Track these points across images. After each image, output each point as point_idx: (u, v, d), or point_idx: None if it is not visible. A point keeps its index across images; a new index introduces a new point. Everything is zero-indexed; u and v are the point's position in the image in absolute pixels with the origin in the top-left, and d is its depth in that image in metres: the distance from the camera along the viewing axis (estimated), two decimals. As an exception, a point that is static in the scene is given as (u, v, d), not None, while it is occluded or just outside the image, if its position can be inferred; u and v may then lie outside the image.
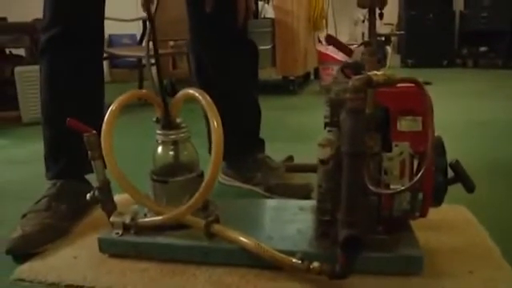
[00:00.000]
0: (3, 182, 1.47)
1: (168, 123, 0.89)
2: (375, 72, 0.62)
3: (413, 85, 0.68)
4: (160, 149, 0.91)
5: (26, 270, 0.82)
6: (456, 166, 0.75)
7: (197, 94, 0.84)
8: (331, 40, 0.87)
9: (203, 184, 0.81)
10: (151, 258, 0.83)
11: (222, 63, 1.20)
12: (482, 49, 4.61)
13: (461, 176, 0.74)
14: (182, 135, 0.90)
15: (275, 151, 1.31)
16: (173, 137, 0.89)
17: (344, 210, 0.65)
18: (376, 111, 0.71)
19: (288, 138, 1.95)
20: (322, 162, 0.73)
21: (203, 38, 1.21)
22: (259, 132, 1.29)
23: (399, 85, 0.69)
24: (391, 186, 0.73)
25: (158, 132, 0.90)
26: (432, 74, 3.98)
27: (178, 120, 0.90)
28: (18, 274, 0.81)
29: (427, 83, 3.44)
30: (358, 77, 0.61)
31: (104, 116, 1.12)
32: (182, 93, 0.88)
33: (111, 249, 0.86)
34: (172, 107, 0.90)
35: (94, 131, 0.87)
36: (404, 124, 0.72)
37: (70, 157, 1.06)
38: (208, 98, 0.83)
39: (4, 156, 1.86)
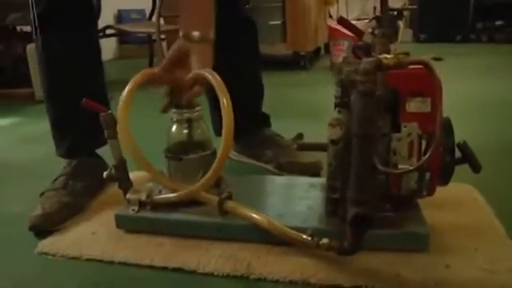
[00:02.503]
0: (18, 160, 1.51)
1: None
2: (385, 55, 0.63)
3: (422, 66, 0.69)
4: (174, 127, 0.93)
5: (48, 244, 0.87)
6: (463, 147, 0.76)
7: (206, 74, 0.84)
8: (343, 22, 0.87)
9: (215, 161, 0.82)
10: (166, 233, 0.86)
11: (221, 40, 1.20)
12: (498, 23, 4.48)
13: (468, 157, 0.75)
14: (196, 114, 0.92)
15: (285, 128, 1.32)
16: (187, 115, 0.91)
17: (353, 188, 0.67)
18: (385, 92, 0.72)
19: (298, 114, 1.96)
20: (333, 142, 0.75)
21: None
22: (262, 107, 1.31)
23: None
24: (399, 166, 0.74)
25: (173, 111, 0.92)
26: (444, 49, 3.91)
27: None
28: (41, 248, 0.86)
29: (439, 59, 3.39)
30: (368, 60, 0.62)
31: (105, 90, 1.13)
32: (192, 74, 0.89)
33: (128, 225, 0.90)
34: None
35: (110, 111, 0.89)
36: (413, 105, 0.73)
37: (76, 132, 1.09)
38: (217, 76, 0.82)
39: (18, 134, 1.89)
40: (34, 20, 1.04)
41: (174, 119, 0.92)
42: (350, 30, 0.86)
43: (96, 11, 1.13)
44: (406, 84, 0.73)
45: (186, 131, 0.93)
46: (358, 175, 0.66)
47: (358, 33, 0.83)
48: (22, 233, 0.92)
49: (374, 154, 0.66)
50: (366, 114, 0.63)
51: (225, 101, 0.80)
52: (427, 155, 0.68)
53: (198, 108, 0.92)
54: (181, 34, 0.85)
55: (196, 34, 0.84)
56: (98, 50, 1.15)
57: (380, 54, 0.68)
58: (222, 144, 0.81)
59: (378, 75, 0.66)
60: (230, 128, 0.80)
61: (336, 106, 0.78)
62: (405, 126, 0.74)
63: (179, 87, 0.89)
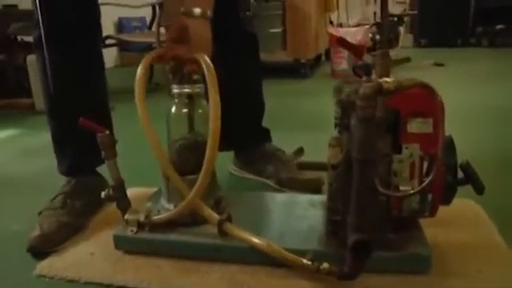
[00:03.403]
0: (18, 173, 1.50)
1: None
2: (386, 79, 0.62)
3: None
4: (174, 106, 0.91)
5: (46, 266, 0.86)
6: (466, 167, 0.75)
7: (202, 63, 0.83)
8: (342, 42, 0.86)
9: (204, 165, 0.80)
10: (165, 254, 0.85)
11: (221, 54, 1.19)
12: (499, 27, 4.47)
13: (470, 177, 0.74)
14: (197, 90, 0.90)
15: (288, 140, 1.31)
16: (187, 90, 0.89)
17: (353, 213, 0.66)
18: (386, 113, 0.71)
19: (300, 124, 1.95)
20: (333, 166, 0.74)
21: None
22: (262, 121, 1.30)
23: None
24: (401, 188, 0.73)
25: (174, 86, 0.90)
26: (445, 54, 3.91)
27: (195, 77, 0.90)
28: (39, 271, 0.85)
29: (440, 65, 3.38)
30: (368, 84, 0.61)
31: (107, 100, 1.12)
32: (193, 57, 0.87)
33: (126, 246, 0.88)
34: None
35: (107, 131, 0.88)
36: (414, 126, 0.72)
37: (77, 149, 1.08)
38: (212, 67, 0.82)
39: (18, 146, 1.88)
40: (36, 35, 1.02)
41: (175, 95, 0.90)
42: (349, 50, 0.85)
43: (98, 24, 1.12)
44: (407, 104, 0.72)
45: (185, 110, 0.91)
46: (359, 200, 0.65)
47: (357, 52, 0.82)
48: (22, 252, 0.91)
49: (374, 179, 0.65)
50: (366, 139, 0.62)
51: (213, 90, 0.79)
52: (429, 178, 0.66)
53: (199, 85, 0.90)
54: (181, 10, 0.86)
55: (197, 10, 0.86)
56: (101, 63, 1.14)
57: (380, 76, 0.67)
58: (209, 140, 0.79)
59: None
60: (217, 122, 0.78)
61: (336, 126, 0.77)
62: (406, 147, 0.73)
63: (181, 62, 0.89)
